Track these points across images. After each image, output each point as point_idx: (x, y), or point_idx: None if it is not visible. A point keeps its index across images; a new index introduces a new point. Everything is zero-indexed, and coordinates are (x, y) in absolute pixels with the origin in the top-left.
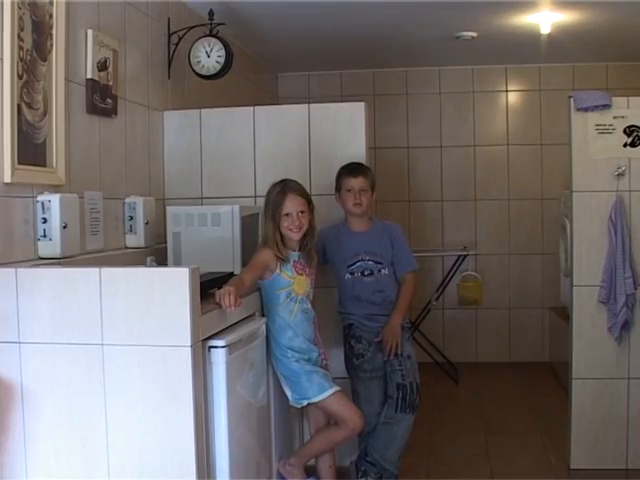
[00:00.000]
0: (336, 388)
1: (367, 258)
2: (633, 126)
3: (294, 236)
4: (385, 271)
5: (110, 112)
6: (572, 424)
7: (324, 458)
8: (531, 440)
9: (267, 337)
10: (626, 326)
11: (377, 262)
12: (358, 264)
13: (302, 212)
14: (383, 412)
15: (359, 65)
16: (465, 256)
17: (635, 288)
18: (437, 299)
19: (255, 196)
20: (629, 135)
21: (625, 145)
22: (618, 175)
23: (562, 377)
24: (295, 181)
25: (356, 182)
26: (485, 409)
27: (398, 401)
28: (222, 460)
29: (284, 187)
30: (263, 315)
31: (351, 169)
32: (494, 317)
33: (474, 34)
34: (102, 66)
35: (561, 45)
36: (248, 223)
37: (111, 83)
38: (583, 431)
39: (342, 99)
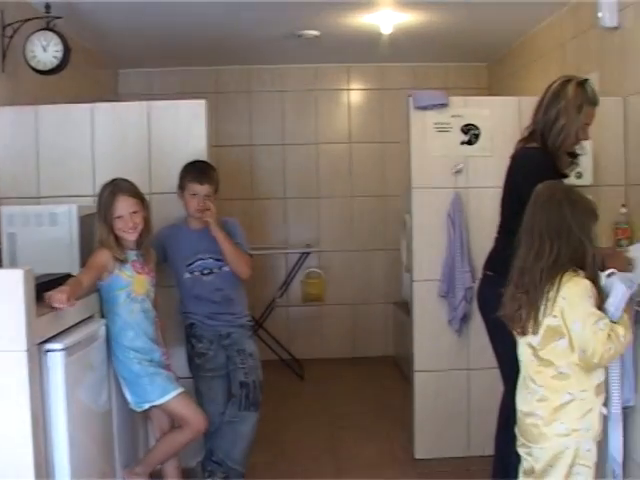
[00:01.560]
0: (179, 390)
1: (207, 256)
2: (470, 125)
3: (129, 237)
4: (226, 268)
5: None
6: (415, 416)
7: (169, 460)
8: (376, 433)
9: (108, 339)
10: (465, 319)
11: (217, 260)
12: (197, 263)
13: (135, 212)
14: (227, 411)
15: (201, 62)
16: (308, 253)
17: (473, 282)
18: (281, 296)
19: (94, 195)
20: (466, 133)
21: (462, 143)
22: (456, 172)
23: (405, 370)
24: (126, 180)
25: (202, 189)
26: (331, 404)
27: (241, 399)
28: (63, 469)
29: (114, 188)
30: (103, 316)
31: (197, 174)
32: (338, 313)
33: (316, 33)
34: None
35: (402, 45)
36: (87, 223)
37: None
38: (426, 422)
39: (184, 96)
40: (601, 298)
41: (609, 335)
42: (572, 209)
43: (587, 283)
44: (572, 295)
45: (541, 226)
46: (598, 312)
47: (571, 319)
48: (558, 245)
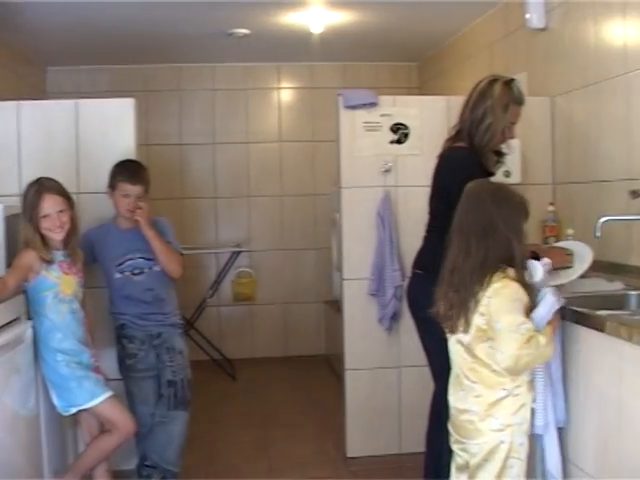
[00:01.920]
0: (108, 393)
1: (137, 256)
2: (399, 124)
3: (56, 236)
4: (156, 268)
5: None
6: (347, 414)
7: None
8: (309, 432)
9: (35, 341)
10: (395, 317)
11: (148, 259)
12: (128, 263)
13: (62, 211)
14: (157, 411)
15: (131, 60)
16: (239, 253)
17: (402, 280)
18: (212, 296)
19: (21, 194)
20: (395, 132)
21: (392, 142)
22: (385, 171)
23: (337, 369)
24: (51, 179)
25: (134, 189)
26: (263, 404)
27: (170, 398)
28: None
29: (39, 187)
30: (30, 318)
31: (129, 174)
32: (270, 312)
33: (246, 31)
34: None
35: (333, 44)
36: (13, 223)
37: None
38: (358, 420)
39: (113, 95)
40: (532, 299)
41: (529, 341)
42: (498, 207)
43: (515, 286)
44: (498, 296)
45: (468, 225)
46: (522, 318)
47: (495, 319)
48: (485, 244)
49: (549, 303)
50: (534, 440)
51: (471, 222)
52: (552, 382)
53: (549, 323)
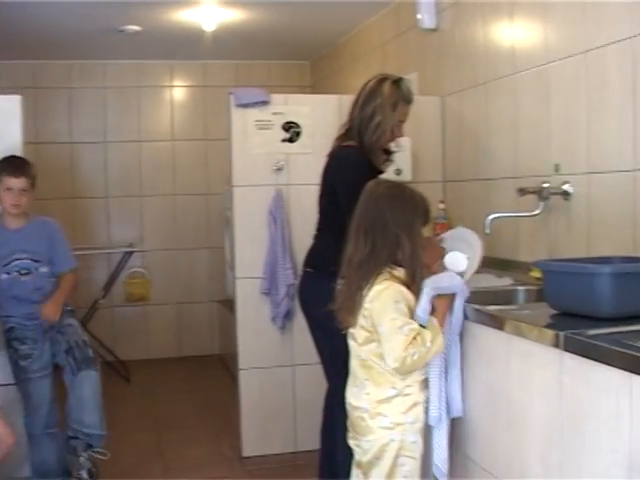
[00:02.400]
0: None
1: (24, 257)
2: (291, 122)
3: None
4: (44, 269)
5: None
6: (241, 413)
7: None
8: (204, 433)
9: None
10: (288, 315)
11: (35, 260)
12: (15, 263)
13: None
14: (66, 382)
15: (19, 56)
16: (131, 253)
17: (295, 278)
18: (104, 297)
19: None
20: (287, 131)
21: (283, 140)
22: (277, 170)
23: (232, 368)
24: None
25: (17, 182)
26: (158, 406)
27: (71, 364)
28: None
29: None
30: None
31: (13, 168)
32: (163, 312)
33: (138, 28)
34: None
35: (225, 42)
36: None
37: None
38: (252, 419)
39: (0, 91)
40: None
41: (414, 340)
42: (390, 204)
43: (397, 287)
44: (379, 299)
45: (360, 221)
46: (404, 319)
47: (377, 322)
48: (372, 238)
49: (425, 292)
50: (427, 432)
51: (364, 218)
52: (448, 373)
53: (432, 314)
